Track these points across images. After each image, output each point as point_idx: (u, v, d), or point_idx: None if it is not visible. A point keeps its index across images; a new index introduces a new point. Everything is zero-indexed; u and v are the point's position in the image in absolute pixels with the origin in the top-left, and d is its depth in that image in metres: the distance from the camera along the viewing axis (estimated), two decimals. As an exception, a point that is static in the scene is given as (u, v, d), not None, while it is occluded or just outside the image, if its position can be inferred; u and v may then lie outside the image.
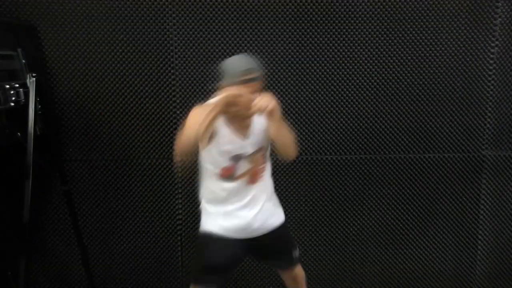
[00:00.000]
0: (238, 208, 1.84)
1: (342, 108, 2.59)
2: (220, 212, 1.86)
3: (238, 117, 1.75)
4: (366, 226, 2.73)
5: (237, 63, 1.76)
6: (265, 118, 1.71)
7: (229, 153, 1.78)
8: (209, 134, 1.66)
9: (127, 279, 2.73)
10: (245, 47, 2.48)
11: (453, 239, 2.76)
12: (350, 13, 2.47)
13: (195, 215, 2.66)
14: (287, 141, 1.78)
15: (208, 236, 1.87)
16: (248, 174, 1.83)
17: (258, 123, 1.82)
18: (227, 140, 1.76)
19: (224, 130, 1.75)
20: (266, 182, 1.91)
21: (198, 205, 2.60)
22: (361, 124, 2.61)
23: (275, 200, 1.99)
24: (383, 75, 2.55)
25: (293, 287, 2.11)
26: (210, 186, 1.87)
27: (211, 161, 1.80)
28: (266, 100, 1.61)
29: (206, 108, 1.62)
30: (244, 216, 1.84)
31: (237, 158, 1.79)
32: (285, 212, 2.61)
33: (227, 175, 1.81)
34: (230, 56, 2.43)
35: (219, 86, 1.79)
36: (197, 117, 1.61)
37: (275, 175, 2.60)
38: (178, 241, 2.69)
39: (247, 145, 1.80)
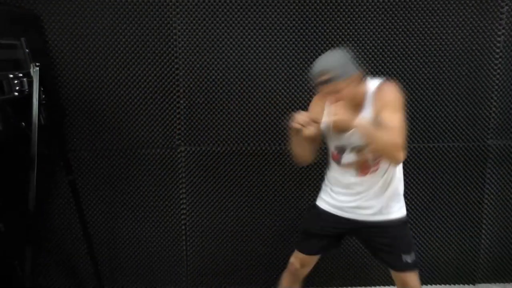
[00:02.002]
0: (341, 192, 1.93)
1: (346, 98, 2.58)
2: (328, 189, 2.01)
3: (350, 109, 1.74)
4: (370, 215, 2.73)
5: (316, 63, 1.72)
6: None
7: (332, 142, 1.90)
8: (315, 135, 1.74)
9: (133, 268, 2.75)
10: (248, 36, 2.47)
11: (457, 228, 2.76)
12: (354, 0, 2.44)
13: (199, 205, 2.67)
14: (378, 146, 1.65)
15: (313, 207, 2.07)
16: (355, 166, 1.85)
17: (365, 117, 1.73)
18: (328, 132, 1.85)
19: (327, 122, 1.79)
20: (378, 178, 1.83)
21: (202, 194, 2.64)
22: (366, 114, 2.60)
23: (388, 199, 1.87)
24: (388, 64, 2.54)
25: None
26: (329, 162, 2.01)
27: (327, 141, 1.94)
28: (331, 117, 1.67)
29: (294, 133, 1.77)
30: (343, 200, 1.92)
31: (340, 148, 1.87)
32: (285, 201, 2.64)
33: (335, 160, 1.92)
34: (236, 46, 2.46)
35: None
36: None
37: (277, 164, 2.62)
38: (182, 230, 2.70)
39: (348, 139, 1.81)
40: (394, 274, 1.95)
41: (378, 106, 1.67)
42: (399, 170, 1.89)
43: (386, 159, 1.74)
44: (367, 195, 1.86)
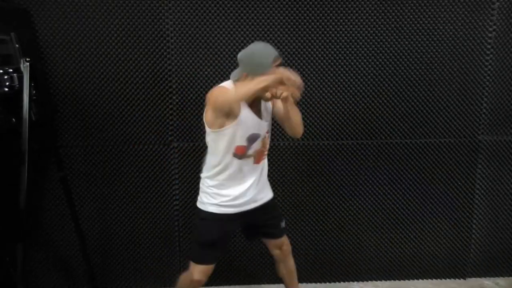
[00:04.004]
0: (240, 184, 1.98)
1: (337, 94, 2.58)
2: (222, 188, 1.98)
3: (258, 99, 1.87)
4: (361, 211, 2.75)
5: (265, 52, 1.83)
6: (281, 101, 1.87)
7: (247, 132, 1.89)
8: (238, 107, 1.82)
9: (125, 264, 2.74)
10: (241, 32, 2.46)
11: (448, 223, 2.79)
12: (347, -3, 2.45)
13: (192, 200, 2.66)
14: (298, 120, 1.94)
15: (206, 215, 2.01)
16: (256, 154, 1.96)
17: (267, 105, 1.98)
18: (250, 120, 1.87)
19: (245, 111, 1.86)
20: (265, 162, 2.07)
21: (195, 190, 2.63)
22: (357, 110, 2.61)
23: (266, 180, 2.14)
24: (380, 60, 2.55)
25: (280, 257, 2.23)
26: (218, 163, 1.95)
27: (227, 139, 1.88)
28: (289, 89, 1.74)
29: (252, 81, 1.73)
30: (243, 192, 1.98)
31: (253, 138, 1.91)
32: (280, 197, 2.65)
33: (240, 153, 1.91)
34: (229, 42, 2.46)
35: (242, 76, 1.85)
36: (230, 92, 1.80)
37: (271, 160, 2.63)
38: (175, 226, 2.70)
39: (263, 126, 1.95)
40: (273, 242, 2.18)
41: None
42: None
43: (297, 133, 2.01)
44: (258, 182, 2.03)
